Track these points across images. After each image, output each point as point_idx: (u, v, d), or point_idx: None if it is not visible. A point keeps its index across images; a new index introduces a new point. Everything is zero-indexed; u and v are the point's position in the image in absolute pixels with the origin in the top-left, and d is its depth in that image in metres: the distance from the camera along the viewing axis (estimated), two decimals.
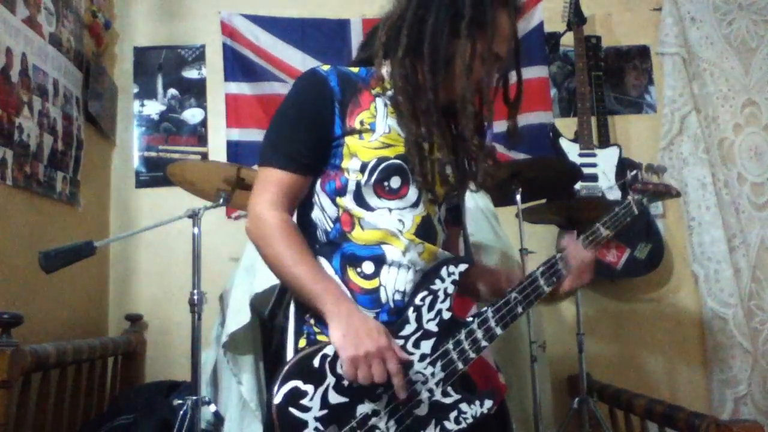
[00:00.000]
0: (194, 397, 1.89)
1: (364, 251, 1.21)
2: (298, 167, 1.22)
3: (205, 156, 3.08)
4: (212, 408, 1.98)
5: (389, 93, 1.24)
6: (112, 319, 2.91)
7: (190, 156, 3.07)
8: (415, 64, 1.23)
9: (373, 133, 1.22)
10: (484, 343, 1.21)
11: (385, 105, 1.25)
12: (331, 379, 1.11)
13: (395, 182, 1.21)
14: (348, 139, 1.21)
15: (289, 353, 1.21)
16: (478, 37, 1.21)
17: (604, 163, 2.99)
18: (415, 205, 1.23)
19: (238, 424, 2.04)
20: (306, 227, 1.27)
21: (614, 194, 2.92)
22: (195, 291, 1.98)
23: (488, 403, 1.18)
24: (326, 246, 1.24)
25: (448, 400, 1.17)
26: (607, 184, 2.94)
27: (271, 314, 1.42)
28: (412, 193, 1.23)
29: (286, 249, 1.18)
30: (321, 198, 1.25)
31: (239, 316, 2.04)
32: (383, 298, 1.19)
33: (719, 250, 3.01)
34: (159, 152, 3.09)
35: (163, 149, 3.09)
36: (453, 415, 1.16)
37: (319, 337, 1.19)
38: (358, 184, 1.21)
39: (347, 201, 1.22)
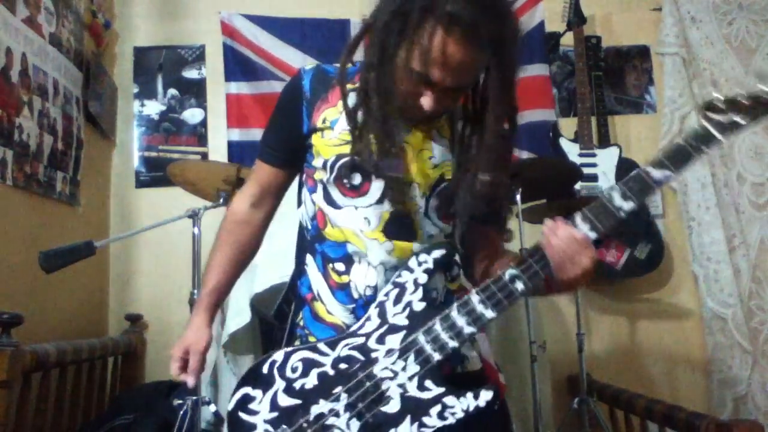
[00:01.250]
0: (194, 397, 1.89)
1: (334, 250, 1.23)
2: (272, 159, 1.32)
3: (205, 156, 3.08)
4: (212, 408, 1.98)
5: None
6: (112, 319, 2.92)
7: (190, 156, 3.07)
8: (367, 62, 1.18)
9: (332, 130, 1.21)
10: (468, 329, 1.11)
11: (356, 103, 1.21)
12: (280, 383, 1.15)
13: (356, 179, 1.19)
14: (314, 138, 1.23)
15: None
16: (404, 50, 1.10)
17: (604, 163, 2.99)
18: (380, 201, 1.19)
19: None
20: (300, 226, 1.35)
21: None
22: (195, 291, 1.98)
23: (486, 395, 1.09)
24: (310, 243, 1.29)
25: (426, 395, 1.11)
26: (607, 184, 2.94)
27: (278, 313, 1.42)
28: (375, 189, 1.19)
29: (217, 240, 1.39)
30: (304, 197, 1.31)
31: (239, 316, 2.05)
32: (354, 294, 1.20)
33: (719, 250, 3.01)
34: (159, 152, 3.09)
35: (163, 149, 3.09)
36: (435, 410, 1.09)
37: (310, 339, 1.23)
38: (323, 183, 1.23)
39: (318, 199, 1.25)
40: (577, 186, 2.87)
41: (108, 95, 2.98)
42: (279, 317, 1.42)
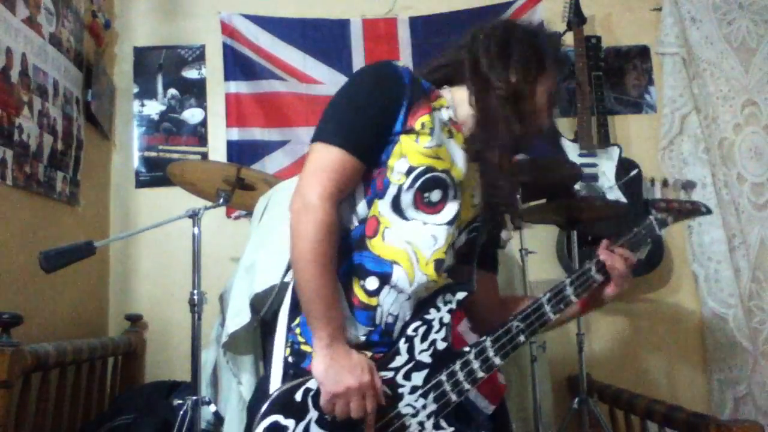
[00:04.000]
0: (194, 397, 1.89)
1: (373, 265, 1.18)
2: (360, 151, 1.17)
3: (205, 156, 3.08)
4: (212, 408, 1.98)
5: (444, 113, 1.24)
6: (112, 319, 2.91)
7: (190, 156, 3.07)
8: (490, 95, 1.24)
9: (431, 139, 1.18)
10: (480, 374, 1.18)
11: (441, 122, 1.23)
12: (313, 414, 1.11)
13: (435, 195, 1.19)
14: (403, 138, 1.18)
15: (275, 363, 1.20)
16: (542, 85, 1.27)
17: (604, 163, 2.99)
18: (450, 223, 1.20)
19: (238, 424, 2.03)
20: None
21: (614, 194, 2.92)
22: (195, 291, 1.98)
23: None
24: (342, 244, 1.20)
25: None
26: (607, 184, 2.94)
27: (274, 315, 1.41)
28: (448, 210, 1.20)
29: (319, 256, 1.13)
30: (356, 193, 1.22)
31: (239, 316, 2.04)
32: (378, 319, 1.18)
33: (719, 250, 3.00)
34: (159, 152, 3.09)
35: (163, 149, 3.09)
36: None
37: (303, 347, 1.19)
38: (399, 189, 1.17)
39: (382, 205, 1.19)
40: (577, 186, 2.87)
41: (108, 95, 2.98)
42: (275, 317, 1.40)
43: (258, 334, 2.10)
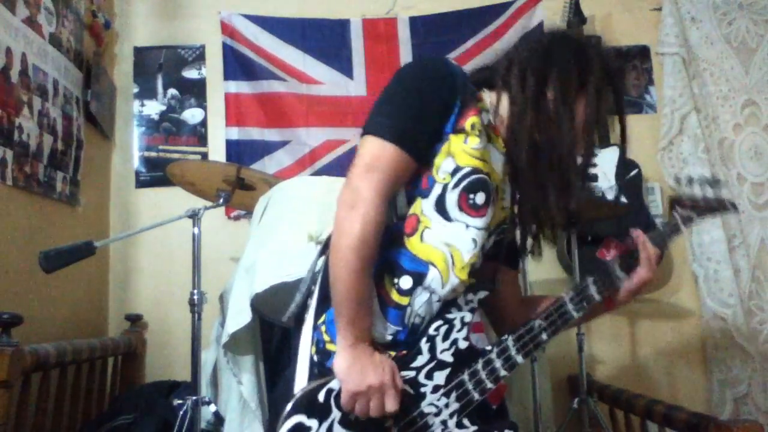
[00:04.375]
0: (194, 397, 1.89)
1: (409, 264, 1.16)
2: (415, 150, 1.14)
3: (205, 156, 3.08)
4: (212, 408, 1.98)
5: (484, 116, 1.21)
6: (112, 319, 2.91)
7: (190, 156, 3.07)
8: (537, 105, 1.21)
9: (479, 140, 1.16)
10: (503, 373, 1.19)
11: (484, 123, 1.21)
12: (336, 414, 1.11)
13: (480, 198, 1.17)
14: (453, 137, 1.16)
15: (301, 362, 1.19)
16: (597, 99, 1.22)
17: (604, 163, 2.99)
18: (488, 228, 1.20)
19: (238, 424, 2.03)
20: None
21: (614, 194, 2.91)
22: (195, 291, 1.98)
23: None
24: (382, 243, 1.17)
25: None
26: (607, 184, 2.94)
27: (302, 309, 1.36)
28: (490, 215, 1.19)
29: (361, 256, 1.10)
30: (400, 192, 1.20)
31: (239, 316, 2.04)
32: (407, 319, 1.16)
33: (719, 250, 3.00)
34: (159, 152, 3.09)
35: (163, 149, 3.09)
36: None
37: (328, 346, 1.17)
38: (444, 188, 1.16)
39: (426, 204, 1.17)
40: None
41: (108, 95, 2.98)
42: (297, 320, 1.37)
43: (258, 334, 2.10)
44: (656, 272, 1.28)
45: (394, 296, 1.16)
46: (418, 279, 1.15)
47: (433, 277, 1.15)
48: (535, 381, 2.22)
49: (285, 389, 1.23)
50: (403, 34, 3.18)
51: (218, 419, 2.01)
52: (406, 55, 3.15)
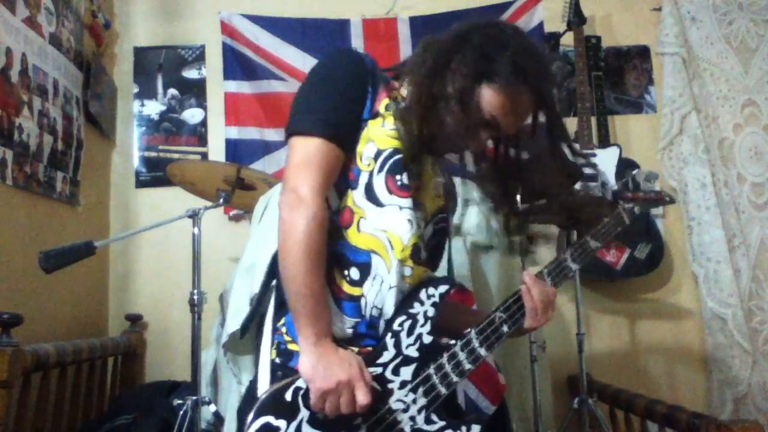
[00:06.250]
0: (194, 397, 1.89)
1: (353, 255, 1.17)
2: (341, 140, 1.15)
3: (205, 156, 3.08)
4: (212, 408, 1.98)
5: (401, 103, 1.22)
6: (112, 319, 2.91)
7: (190, 156, 3.07)
8: (429, 93, 1.20)
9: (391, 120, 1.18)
10: (467, 366, 1.18)
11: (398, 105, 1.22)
12: (304, 413, 1.09)
13: (406, 178, 1.18)
14: (371, 123, 1.18)
15: (262, 366, 1.18)
16: (500, 94, 1.18)
17: (604, 163, 2.99)
18: (421, 208, 1.22)
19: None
20: None
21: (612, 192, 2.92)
22: (195, 291, 1.98)
23: (475, 429, 1.17)
24: None
25: (431, 428, 1.15)
26: (606, 184, 2.94)
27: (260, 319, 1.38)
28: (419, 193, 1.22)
29: (310, 252, 1.10)
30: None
31: (239, 316, 2.04)
32: (363, 310, 1.17)
33: (719, 250, 3.00)
34: (159, 152, 3.09)
35: (163, 149, 3.09)
36: None
37: (290, 346, 1.17)
38: (370, 175, 1.17)
39: (356, 195, 1.18)
40: (577, 186, 2.86)
41: (108, 95, 2.98)
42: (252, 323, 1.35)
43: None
44: (547, 317, 1.28)
45: (346, 288, 1.17)
46: (365, 269, 1.17)
47: (377, 264, 1.16)
48: (535, 381, 2.22)
49: (249, 396, 1.22)
50: (403, 34, 3.18)
51: (218, 419, 2.01)
52: (406, 55, 3.13)
